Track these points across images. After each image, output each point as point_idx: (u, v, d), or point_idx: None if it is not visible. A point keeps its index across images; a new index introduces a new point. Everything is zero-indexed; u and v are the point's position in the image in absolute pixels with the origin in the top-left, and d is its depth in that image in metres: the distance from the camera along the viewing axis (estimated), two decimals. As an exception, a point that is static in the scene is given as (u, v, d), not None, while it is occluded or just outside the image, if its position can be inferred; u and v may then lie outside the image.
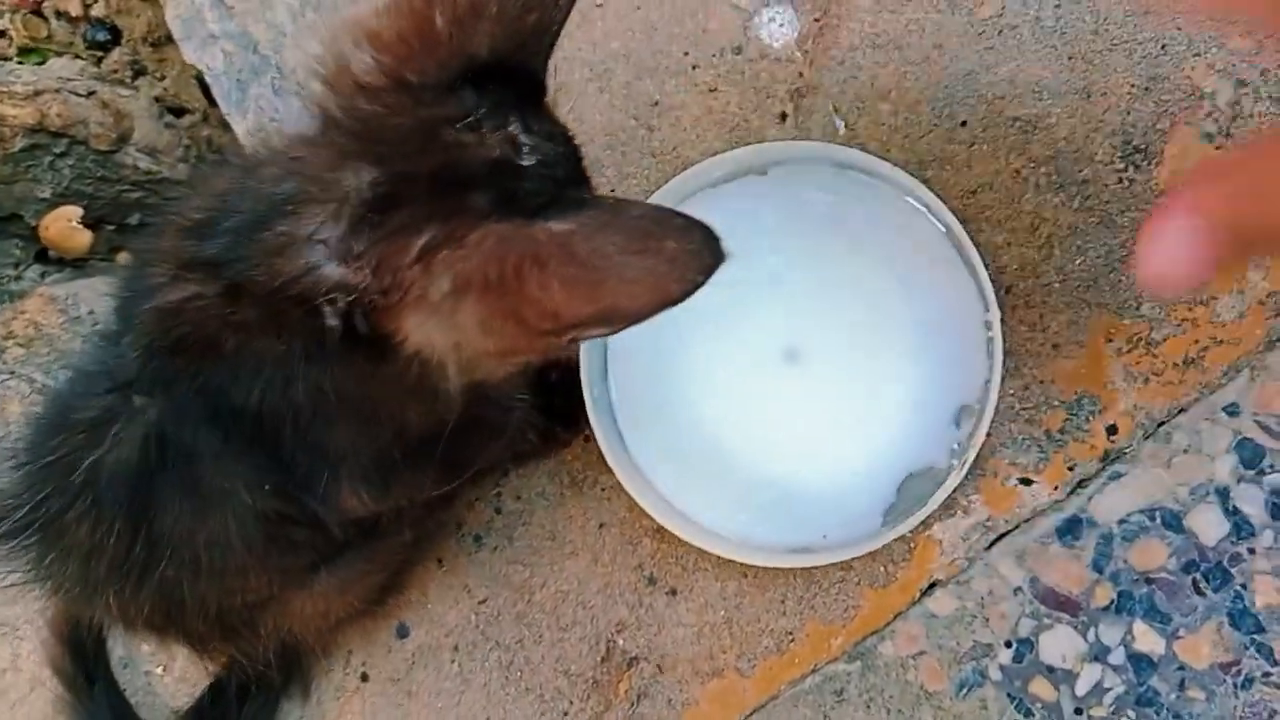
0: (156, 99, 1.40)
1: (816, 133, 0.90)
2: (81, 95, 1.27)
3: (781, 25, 0.91)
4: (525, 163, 0.56)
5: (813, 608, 0.88)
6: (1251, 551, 0.78)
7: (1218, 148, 0.80)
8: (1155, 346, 0.81)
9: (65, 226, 1.21)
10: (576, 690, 0.93)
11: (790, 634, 0.88)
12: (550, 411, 0.90)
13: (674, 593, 0.92)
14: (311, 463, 0.68)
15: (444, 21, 0.56)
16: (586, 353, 0.88)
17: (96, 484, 0.65)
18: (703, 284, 0.50)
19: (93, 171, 1.29)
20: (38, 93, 1.20)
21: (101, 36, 1.42)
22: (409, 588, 0.99)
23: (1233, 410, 0.79)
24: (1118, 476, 0.81)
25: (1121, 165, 0.82)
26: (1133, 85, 0.82)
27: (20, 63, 1.39)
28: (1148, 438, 0.80)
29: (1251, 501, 0.78)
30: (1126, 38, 0.83)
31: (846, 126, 0.89)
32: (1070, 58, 0.83)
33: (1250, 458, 0.79)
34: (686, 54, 0.94)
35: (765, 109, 0.91)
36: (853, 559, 0.86)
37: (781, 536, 0.87)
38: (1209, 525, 0.79)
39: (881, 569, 0.86)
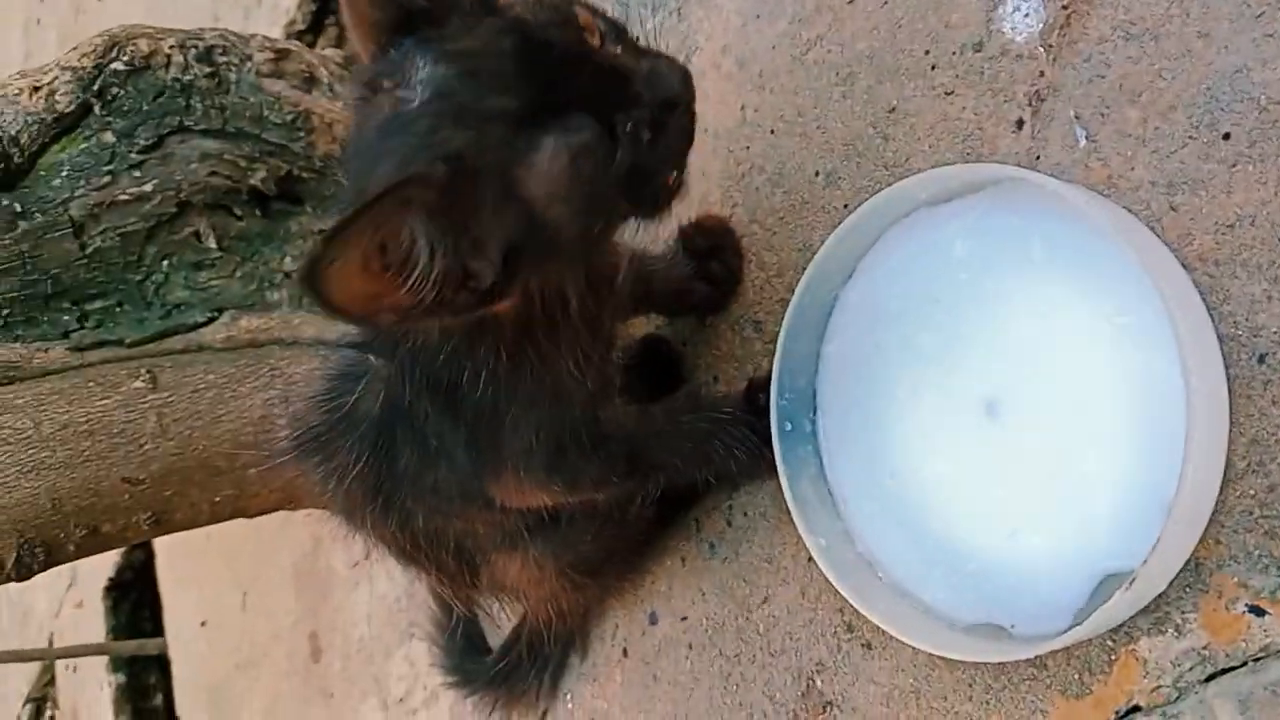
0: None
1: (1055, 143, 0.80)
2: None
3: (1026, 15, 0.81)
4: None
5: (1000, 701, 0.82)
6: None
7: None
8: None
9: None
10: (779, 717, 0.97)
11: (973, 723, 0.82)
12: (762, 432, 0.93)
13: (869, 646, 0.92)
14: (490, 435, 0.84)
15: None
16: (783, 380, 0.91)
17: (350, 421, 0.86)
18: None
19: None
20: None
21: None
22: (648, 574, 1.11)
23: None
24: (1387, 630, 0.62)
25: None
26: None
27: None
28: None
29: None
30: None
31: (1088, 137, 0.77)
32: (1384, 43, 0.63)
33: None
34: (927, 52, 0.89)
35: (1001, 115, 0.83)
36: (1046, 657, 0.78)
37: (967, 611, 0.83)
38: None
39: (1076, 676, 0.77)
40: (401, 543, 0.96)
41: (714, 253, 1.04)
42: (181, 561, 2.37)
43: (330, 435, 0.87)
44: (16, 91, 1.31)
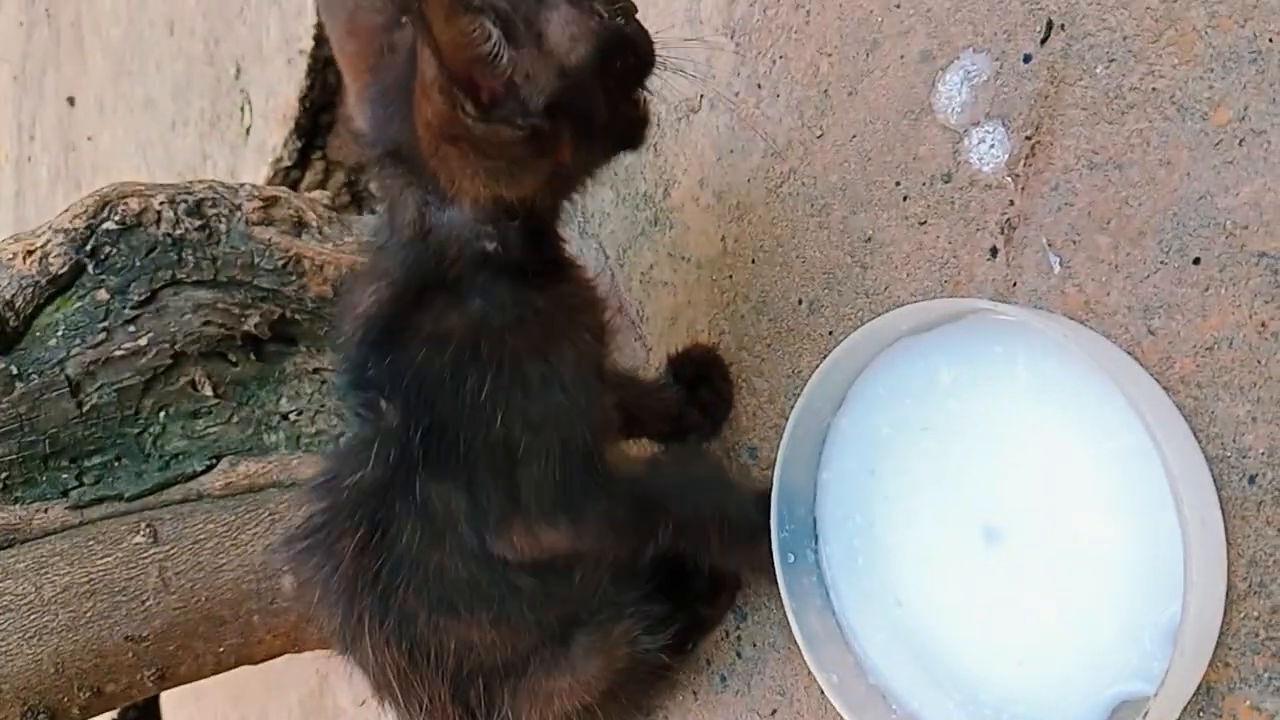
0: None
1: (1030, 270, 0.81)
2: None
3: (992, 146, 0.84)
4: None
5: (1023, 831, 0.80)
6: None
7: None
8: None
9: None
10: None
11: None
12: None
13: (888, 779, 0.89)
14: (498, 477, 0.84)
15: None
16: (783, 511, 0.91)
17: (355, 501, 0.85)
18: None
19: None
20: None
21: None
22: (660, 709, 1.09)
23: None
24: (1407, 754, 0.62)
25: None
26: None
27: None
28: None
29: None
30: None
31: (1062, 264, 0.79)
32: (1337, 170, 0.65)
33: None
34: (898, 184, 0.91)
35: (974, 243, 0.85)
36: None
37: (984, 742, 0.81)
38: None
39: (1098, 805, 0.75)
40: (397, 661, 0.91)
41: (703, 380, 1.06)
42: (187, 699, 2.33)
43: (331, 523, 0.85)
44: (10, 256, 1.34)
